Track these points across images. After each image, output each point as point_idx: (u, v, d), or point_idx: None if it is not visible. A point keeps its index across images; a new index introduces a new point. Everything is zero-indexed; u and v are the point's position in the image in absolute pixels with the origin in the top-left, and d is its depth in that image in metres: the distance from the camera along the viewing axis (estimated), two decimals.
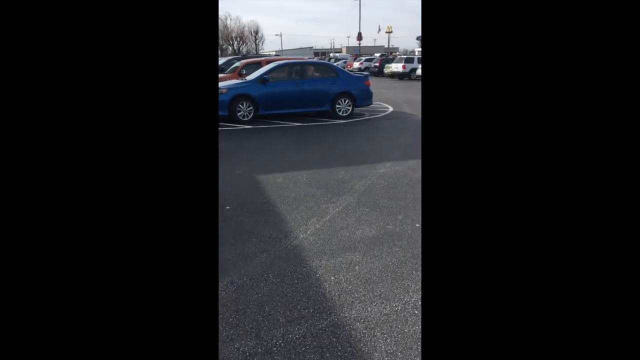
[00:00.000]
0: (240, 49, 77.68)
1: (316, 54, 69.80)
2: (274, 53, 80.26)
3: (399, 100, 11.94)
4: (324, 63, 8.41)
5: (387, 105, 10.58)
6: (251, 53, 76.98)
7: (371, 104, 8.87)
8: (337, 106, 8.38)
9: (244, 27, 78.07)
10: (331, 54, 56.81)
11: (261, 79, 7.84)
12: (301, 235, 2.93)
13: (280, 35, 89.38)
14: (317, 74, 8.63)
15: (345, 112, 8.44)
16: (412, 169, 4.60)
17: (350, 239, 2.86)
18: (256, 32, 79.06)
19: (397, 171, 4.54)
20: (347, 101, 8.42)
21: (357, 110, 9.01)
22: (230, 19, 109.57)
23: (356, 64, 29.38)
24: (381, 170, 4.57)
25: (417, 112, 9.32)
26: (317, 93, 8.20)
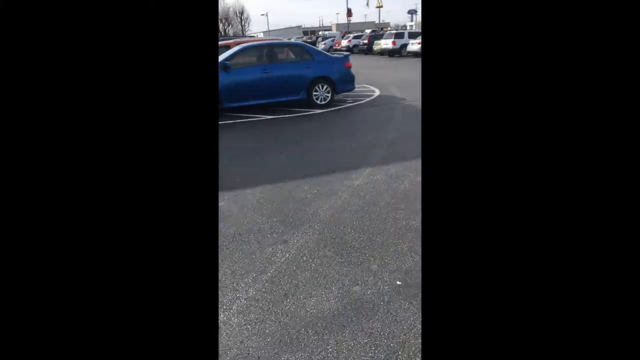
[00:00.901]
0: (227, 30, 75.18)
1: (305, 32, 67.69)
2: (261, 34, 77.89)
3: (388, 81, 10.80)
4: (296, 44, 7.22)
5: (373, 88, 9.46)
6: (237, 35, 74.87)
7: (353, 88, 7.76)
8: (314, 93, 7.29)
9: (228, 9, 75.43)
10: (320, 32, 54.96)
11: (222, 66, 6.68)
12: (222, 315, 1.96)
13: (266, 15, 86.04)
14: (289, 57, 7.48)
15: (324, 100, 7.36)
16: (395, 178, 3.60)
17: (295, 321, 1.89)
18: (241, 13, 76.37)
19: (376, 182, 3.54)
20: (325, 87, 7.32)
21: (339, 96, 7.92)
22: None
23: (344, 42, 27.89)
24: (357, 182, 3.57)
25: (406, 95, 8.23)
26: (289, 79, 7.07)
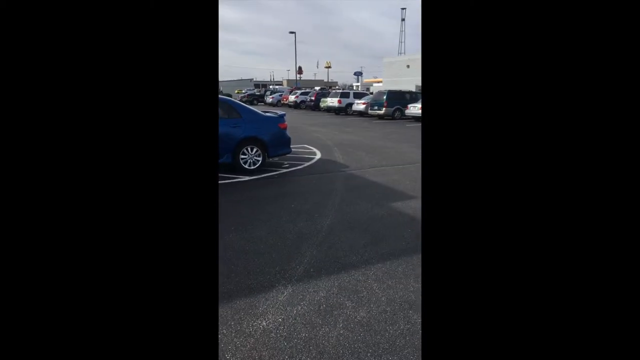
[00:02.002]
0: None
1: (257, 85, 68.46)
2: None
3: (332, 141, 9.99)
4: (222, 99, 6.11)
5: (314, 150, 8.51)
6: None
7: (289, 152, 6.68)
8: (242, 157, 6.08)
9: None
10: (270, 86, 55.87)
11: None
12: None
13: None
14: None
15: (253, 165, 6.16)
16: (326, 312, 2.32)
17: None
18: None
19: (294, 325, 2.24)
20: (255, 150, 6.16)
21: (274, 159, 6.80)
22: None
23: (292, 97, 27.77)
24: (262, 324, 2.24)
25: (349, 160, 7.31)
26: None
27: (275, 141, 6.31)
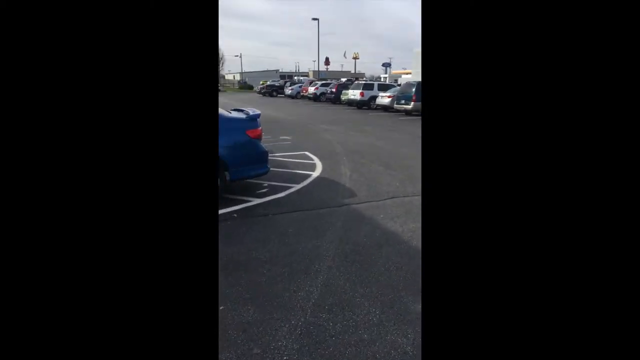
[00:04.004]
0: None
1: (282, 76, 66.59)
2: (237, 75, 76.42)
3: (342, 147, 7.65)
4: None
5: (315, 161, 6.22)
6: None
7: (265, 172, 4.41)
8: None
9: None
10: (295, 77, 53.85)
11: None
12: None
13: (240, 56, 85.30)
14: None
15: None
16: None
17: None
18: None
19: None
20: None
21: (252, 180, 4.58)
22: None
23: (311, 89, 25.42)
24: None
25: (360, 184, 4.97)
26: None
27: (239, 157, 4.06)
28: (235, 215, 3.74)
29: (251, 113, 4.33)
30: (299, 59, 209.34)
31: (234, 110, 4.78)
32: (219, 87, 45.80)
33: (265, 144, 8.31)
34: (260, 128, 4.25)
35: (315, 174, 5.45)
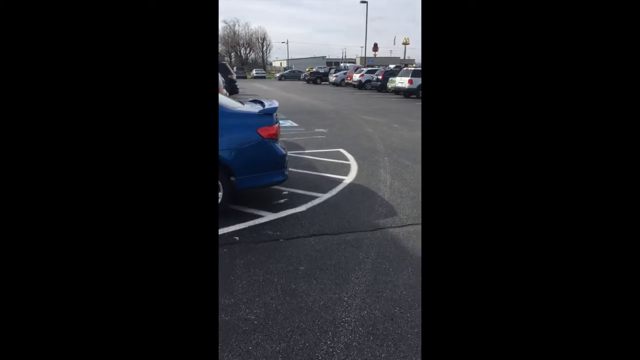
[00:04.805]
0: (247, 56, 73.75)
1: (329, 63, 65.31)
2: (284, 62, 76.21)
3: (384, 144, 6.60)
4: None
5: (348, 162, 5.27)
6: (258, 61, 73.53)
7: (282, 180, 3.52)
8: None
9: (252, 34, 74.27)
10: (342, 64, 52.44)
11: None
12: None
13: (287, 43, 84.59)
14: None
15: None
16: None
17: None
18: (263, 39, 74.88)
19: None
20: None
21: (267, 190, 3.76)
22: (239, 25, 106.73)
23: (356, 76, 24.13)
24: None
25: (402, 195, 3.93)
26: None
27: (248, 161, 3.22)
28: (236, 238, 2.93)
29: (267, 105, 3.46)
30: (346, 44, 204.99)
31: (251, 101, 3.94)
32: (262, 73, 45.58)
33: (296, 138, 7.30)
34: (276, 125, 3.37)
35: (348, 179, 4.51)
